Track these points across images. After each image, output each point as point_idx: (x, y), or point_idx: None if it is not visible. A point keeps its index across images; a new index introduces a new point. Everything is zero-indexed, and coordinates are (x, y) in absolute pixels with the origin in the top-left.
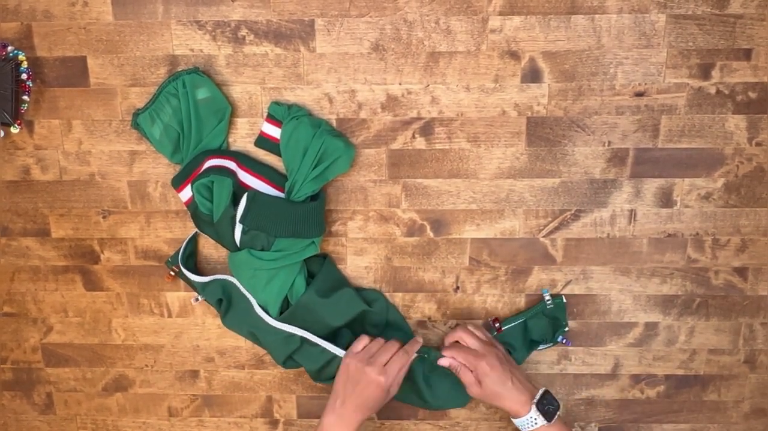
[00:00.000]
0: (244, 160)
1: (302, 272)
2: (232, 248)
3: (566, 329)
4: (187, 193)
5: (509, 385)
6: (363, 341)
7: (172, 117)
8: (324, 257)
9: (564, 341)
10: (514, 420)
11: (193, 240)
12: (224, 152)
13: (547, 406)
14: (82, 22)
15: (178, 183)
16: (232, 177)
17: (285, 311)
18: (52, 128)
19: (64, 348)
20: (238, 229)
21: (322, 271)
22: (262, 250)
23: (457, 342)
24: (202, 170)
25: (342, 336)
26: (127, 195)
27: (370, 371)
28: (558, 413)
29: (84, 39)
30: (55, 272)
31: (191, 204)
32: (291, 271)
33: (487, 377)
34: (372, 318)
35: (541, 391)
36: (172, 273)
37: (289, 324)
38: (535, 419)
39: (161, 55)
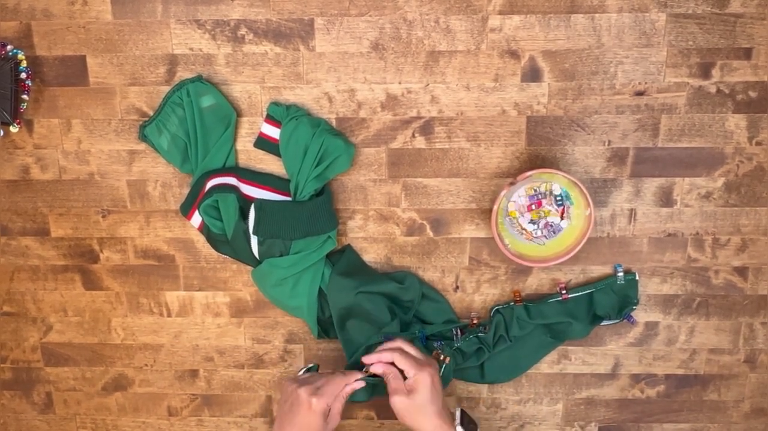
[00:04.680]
0: (244, 173)
1: (328, 269)
2: (253, 262)
3: (635, 307)
4: (197, 219)
5: (439, 405)
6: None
7: (179, 127)
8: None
9: (630, 319)
10: None
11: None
12: (223, 170)
13: (469, 424)
14: (81, 21)
15: (186, 210)
16: (235, 192)
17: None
18: (51, 128)
19: (63, 348)
20: (254, 241)
21: (343, 256)
22: (281, 256)
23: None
24: (205, 192)
25: (385, 319)
26: (126, 194)
27: (302, 392)
28: (478, 430)
29: (83, 38)
30: (54, 272)
31: (204, 228)
32: (316, 271)
33: (423, 389)
34: (405, 293)
35: (458, 412)
36: None
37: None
38: None
39: (160, 54)
